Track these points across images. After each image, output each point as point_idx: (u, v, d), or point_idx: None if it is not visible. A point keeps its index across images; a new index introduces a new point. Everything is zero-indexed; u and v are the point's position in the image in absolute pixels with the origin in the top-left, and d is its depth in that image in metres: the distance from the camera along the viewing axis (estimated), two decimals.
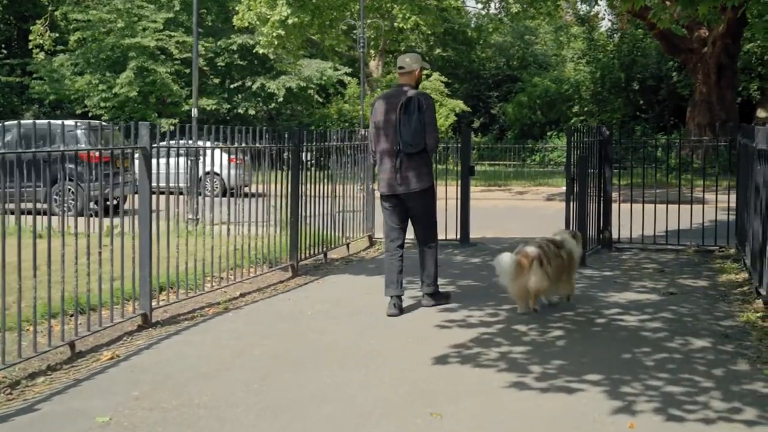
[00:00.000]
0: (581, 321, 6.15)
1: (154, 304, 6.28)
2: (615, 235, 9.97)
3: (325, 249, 9.24)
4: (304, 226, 8.64)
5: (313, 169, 8.96)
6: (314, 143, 9.08)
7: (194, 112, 13.68)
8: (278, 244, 8.25)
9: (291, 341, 5.65)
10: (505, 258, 6.26)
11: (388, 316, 6.38)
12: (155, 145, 6.20)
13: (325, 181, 9.17)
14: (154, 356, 5.32)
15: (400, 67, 6.72)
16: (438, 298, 6.80)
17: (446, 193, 10.19)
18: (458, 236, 10.29)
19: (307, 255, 8.78)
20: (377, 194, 10.76)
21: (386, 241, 6.73)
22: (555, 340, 5.59)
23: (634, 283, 7.70)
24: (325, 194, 9.16)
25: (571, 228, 8.34)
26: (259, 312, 6.63)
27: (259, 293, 7.44)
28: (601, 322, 6.11)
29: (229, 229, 7.41)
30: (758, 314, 6.22)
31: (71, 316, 5.60)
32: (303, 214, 8.57)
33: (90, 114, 31.32)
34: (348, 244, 9.91)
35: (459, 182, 10.36)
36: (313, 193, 8.80)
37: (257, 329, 6.01)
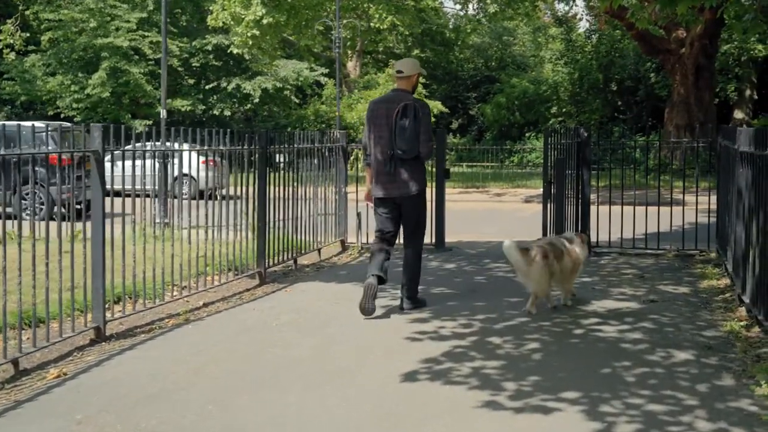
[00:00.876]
0: (558, 332, 5.87)
1: (109, 315, 5.93)
2: (593, 239, 9.69)
3: (295, 255, 8.92)
4: (273, 231, 8.32)
5: (283, 171, 8.64)
6: (282, 145, 8.76)
7: (163, 113, 13.26)
8: (246, 250, 7.91)
9: (252, 356, 5.32)
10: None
11: (365, 288, 6.36)
12: (108, 147, 5.84)
13: (296, 183, 8.84)
14: (103, 374, 4.98)
15: (399, 71, 6.71)
16: (416, 302, 6.69)
17: None
18: (433, 240, 9.99)
19: (276, 261, 8.46)
20: (350, 197, 10.55)
21: (377, 236, 6.72)
22: (531, 353, 5.30)
23: (613, 290, 7.44)
24: (296, 198, 8.84)
25: (570, 232, 8.17)
26: (221, 323, 6.29)
27: (223, 303, 7.10)
28: (579, 333, 5.82)
29: (190, 234, 7.06)
30: (741, 323, 5.97)
31: (19, 329, 5.24)
32: (272, 218, 8.25)
33: (62, 115, 30.77)
34: (319, 250, 9.59)
35: (434, 185, 10.06)
36: (283, 197, 8.48)
37: (217, 343, 5.67)
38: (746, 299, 6.27)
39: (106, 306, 5.93)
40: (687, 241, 9.44)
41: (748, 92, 30.12)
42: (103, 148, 5.73)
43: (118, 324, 6.11)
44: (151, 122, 29.20)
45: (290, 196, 8.69)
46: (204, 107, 32.80)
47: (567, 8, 33.14)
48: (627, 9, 14.08)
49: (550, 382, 4.66)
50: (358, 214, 10.24)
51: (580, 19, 36.97)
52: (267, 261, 8.15)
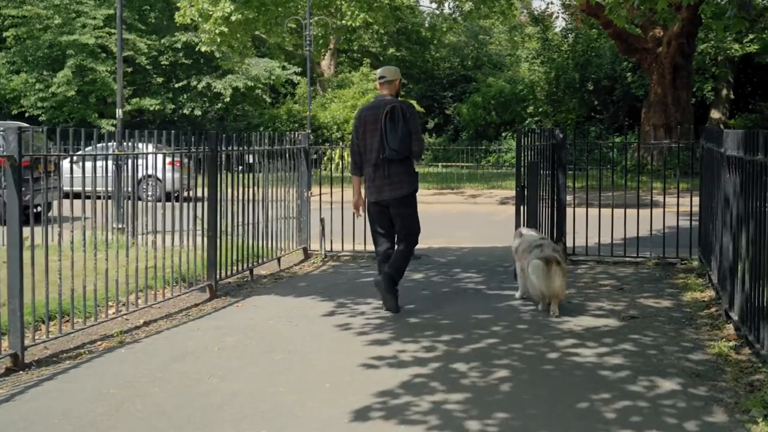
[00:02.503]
0: (530, 356, 5.29)
1: (30, 340, 5.28)
2: (569, 245, 9.14)
3: (251, 265, 8.30)
4: (228, 238, 7.69)
5: (241, 174, 8.02)
6: (235, 147, 8.14)
7: (119, 113, 12.54)
8: (196, 260, 7.29)
9: (183, 389, 4.69)
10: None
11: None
12: (26, 153, 5.21)
13: (254, 188, 8.22)
14: (13, 412, 4.34)
15: (382, 77, 6.87)
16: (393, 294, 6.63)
17: None
18: None
19: (230, 272, 7.84)
20: (314, 199, 9.93)
21: (375, 247, 6.92)
22: (499, 383, 4.72)
23: (590, 304, 6.89)
24: (254, 202, 8.22)
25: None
26: (157, 347, 5.66)
27: (166, 320, 6.47)
28: (553, 358, 5.25)
29: (128, 245, 6.44)
30: (730, 344, 5.45)
31: None
32: (226, 225, 7.63)
33: (27, 114, 29.90)
34: (279, 259, 8.98)
35: None
36: (239, 202, 7.86)
37: (148, 371, 5.04)
38: (734, 316, 5.76)
39: (30, 328, 5.30)
40: (667, 247, 8.94)
41: (724, 92, 29.83)
42: (20, 153, 5.09)
43: (42, 349, 5.48)
44: None
45: (247, 201, 8.08)
46: (174, 106, 32.01)
47: (543, 6, 32.71)
48: (603, 6, 13.62)
49: (520, 420, 4.09)
50: (322, 220, 9.65)
51: (557, 18, 36.58)
52: (219, 272, 7.54)
